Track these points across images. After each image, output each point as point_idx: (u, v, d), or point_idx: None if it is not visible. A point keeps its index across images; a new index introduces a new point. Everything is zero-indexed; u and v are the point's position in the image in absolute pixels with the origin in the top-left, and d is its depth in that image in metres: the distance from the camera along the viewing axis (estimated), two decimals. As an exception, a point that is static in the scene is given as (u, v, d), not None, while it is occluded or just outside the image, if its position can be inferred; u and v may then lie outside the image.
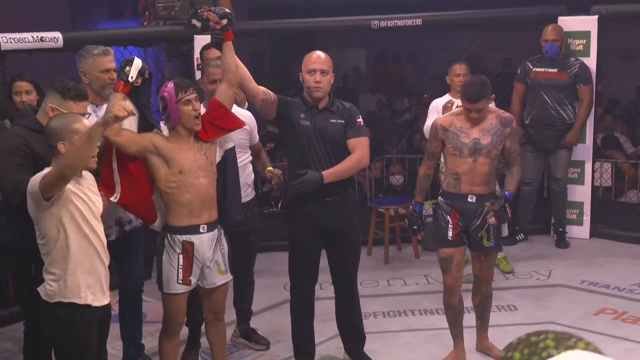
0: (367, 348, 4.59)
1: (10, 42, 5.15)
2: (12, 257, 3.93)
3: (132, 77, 3.69)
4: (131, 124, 3.89)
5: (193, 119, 3.80)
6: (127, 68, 3.69)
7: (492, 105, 4.73)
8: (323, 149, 4.18)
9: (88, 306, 3.37)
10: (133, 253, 4.45)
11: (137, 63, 3.73)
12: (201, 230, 3.87)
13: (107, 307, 3.55)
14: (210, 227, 3.91)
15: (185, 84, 3.83)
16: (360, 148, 4.20)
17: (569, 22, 6.58)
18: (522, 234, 6.84)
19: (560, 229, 6.77)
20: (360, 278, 5.83)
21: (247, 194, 4.65)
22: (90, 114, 3.98)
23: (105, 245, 3.50)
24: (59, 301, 3.32)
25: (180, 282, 3.87)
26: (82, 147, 3.22)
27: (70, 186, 3.26)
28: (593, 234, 6.86)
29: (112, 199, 3.78)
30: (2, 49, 5.13)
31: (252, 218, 4.67)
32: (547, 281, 5.94)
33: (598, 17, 6.54)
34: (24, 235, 3.51)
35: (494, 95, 4.83)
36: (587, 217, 6.86)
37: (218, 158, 4.02)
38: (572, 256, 6.47)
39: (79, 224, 3.31)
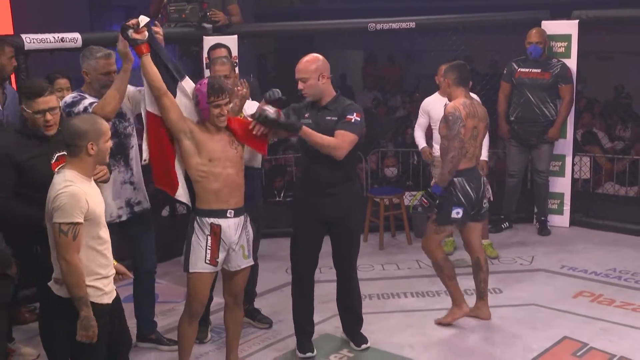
0: (364, 328, 4.61)
1: (34, 42, 5.14)
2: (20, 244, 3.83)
3: (143, 34, 3.84)
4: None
5: (218, 119, 3.84)
6: (131, 31, 3.82)
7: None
8: None
9: (96, 304, 3.26)
10: (145, 233, 4.44)
11: (143, 19, 3.87)
12: (228, 215, 3.87)
13: (116, 298, 3.46)
14: (237, 212, 3.90)
15: (219, 89, 3.81)
16: (340, 139, 4.07)
17: (551, 26, 6.57)
18: (507, 223, 6.84)
19: (542, 218, 6.77)
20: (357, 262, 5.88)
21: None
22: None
23: (110, 242, 3.38)
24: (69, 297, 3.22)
25: (208, 262, 3.86)
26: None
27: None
28: (572, 222, 6.86)
29: (142, 162, 3.94)
30: (25, 48, 5.11)
31: (256, 207, 4.67)
32: (529, 266, 5.95)
33: (578, 22, 6.53)
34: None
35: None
36: (567, 207, 6.86)
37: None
38: (553, 243, 6.47)
39: (88, 231, 3.21)
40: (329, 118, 4.17)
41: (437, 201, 4.61)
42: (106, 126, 3.30)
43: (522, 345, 4.54)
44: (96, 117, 3.41)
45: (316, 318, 4.61)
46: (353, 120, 4.14)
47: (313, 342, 4.53)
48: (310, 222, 4.27)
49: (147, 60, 3.86)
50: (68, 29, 5.36)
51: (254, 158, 4.52)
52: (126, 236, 4.40)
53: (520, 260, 6.05)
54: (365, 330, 4.62)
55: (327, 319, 4.84)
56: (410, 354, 4.46)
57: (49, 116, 3.61)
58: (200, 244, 3.85)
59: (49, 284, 3.28)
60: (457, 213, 4.61)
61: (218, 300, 4.91)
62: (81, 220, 3.12)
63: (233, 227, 3.90)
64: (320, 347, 4.56)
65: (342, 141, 4.07)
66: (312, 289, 4.47)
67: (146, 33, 3.87)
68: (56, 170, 3.30)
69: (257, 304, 4.99)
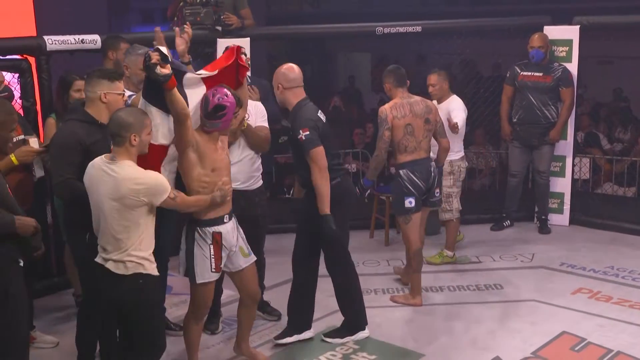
0: (370, 321, 4.61)
1: (55, 44, 5.16)
2: (71, 229, 3.93)
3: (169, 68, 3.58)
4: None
5: (228, 130, 3.89)
6: (158, 68, 3.53)
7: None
8: None
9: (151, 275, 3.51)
10: (163, 224, 4.41)
11: (163, 54, 3.57)
12: (225, 220, 3.85)
13: None
14: (230, 216, 3.90)
15: (241, 101, 3.84)
16: (312, 166, 4.18)
17: (553, 31, 6.55)
18: (508, 221, 6.82)
19: (543, 217, 6.76)
20: (363, 258, 5.94)
21: (255, 182, 4.60)
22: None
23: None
24: (138, 272, 3.44)
25: (214, 270, 3.83)
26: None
27: None
28: (572, 221, 6.84)
29: None
30: (47, 49, 5.13)
31: (259, 204, 4.62)
32: (530, 263, 5.93)
33: (579, 27, 6.52)
34: (82, 209, 3.53)
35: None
36: (567, 207, 6.84)
37: None
38: (553, 241, 6.45)
39: (149, 211, 3.46)
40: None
41: (367, 192, 5.10)
42: (149, 119, 3.44)
43: (522, 339, 4.54)
44: (140, 110, 3.53)
45: (322, 312, 4.62)
46: (304, 138, 4.15)
47: (319, 335, 4.56)
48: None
49: (175, 92, 3.59)
50: (88, 30, 5.37)
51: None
52: None
53: (521, 258, 6.04)
54: (371, 323, 4.62)
55: (332, 313, 4.84)
56: (413, 347, 4.46)
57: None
58: (204, 254, 3.80)
59: (109, 266, 3.43)
60: (409, 202, 4.92)
61: (229, 292, 4.94)
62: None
63: (231, 231, 3.89)
64: (310, 348, 4.54)
65: (313, 165, 4.15)
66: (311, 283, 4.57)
67: (169, 67, 3.55)
68: (105, 158, 3.41)
69: (266, 296, 5.00)
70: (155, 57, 3.48)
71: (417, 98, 5.07)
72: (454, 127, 5.42)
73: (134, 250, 3.42)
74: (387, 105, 4.96)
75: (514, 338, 4.55)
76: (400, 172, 4.93)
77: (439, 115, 5.17)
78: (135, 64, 4.26)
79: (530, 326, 4.72)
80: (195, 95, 3.78)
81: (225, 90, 3.74)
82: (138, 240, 3.42)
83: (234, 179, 4.42)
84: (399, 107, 4.92)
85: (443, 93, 5.62)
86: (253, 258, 4.05)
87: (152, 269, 3.49)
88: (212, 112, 3.69)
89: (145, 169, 3.48)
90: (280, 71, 4.26)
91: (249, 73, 5.04)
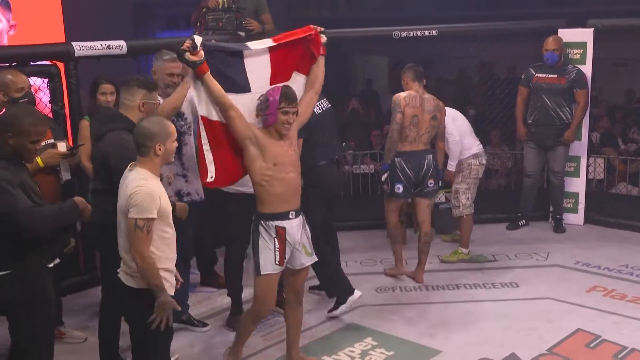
0: (386, 317, 4.60)
1: (83, 50, 5.20)
2: (100, 234, 3.82)
3: (200, 55, 3.66)
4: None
5: (283, 126, 3.73)
6: (188, 54, 3.64)
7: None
8: None
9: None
10: (188, 223, 4.42)
11: (197, 39, 3.67)
12: (290, 216, 3.78)
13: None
14: (297, 213, 3.82)
15: (293, 98, 3.74)
16: None
17: (567, 34, 6.50)
18: (524, 220, 6.78)
19: (558, 216, 6.71)
20: (381, 257, 5.92)
21: None
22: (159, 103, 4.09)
23: (175, 237, 3.38)
24: (144, 288, 3.25)
25: (277, 263, 3.77)
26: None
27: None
28: (587, 220, 6.79)
29: (207, 179, 3.83)
30: (75, 55, 5.17)
31: None
32: (545, 262, 5.89)
33: (593, 30, 6.46)
34: (112, 212, 3.46)
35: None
36: (581, 206, 6.79)
37: None
38: (567, 240, 6.40)
39: (158, 226, 3.24)
40: None
41: (385, 175, 5.26)
42: (173, 128, 3.33)
43: (538, 336, 4.50)
44: (164, 119, 3.41)
45: (313, 321, 4.65)
46: None
47: (339, 332, 4.56)
48: None
49: (208, 78, 3.69)
50: (114, 36, 5.42)
51: None
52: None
53: (536, 256, 5.99)
54: (388, 320, 4.62)
55: (352, 310, 4.84)
56: (430, 343, 4.44)
57: None
58: (268, 246, 3.76)
59: (121, 276, 3.31)
60: (397, 188, 5.23)
61: (250, 290, 4.94)
62: (155, 216, 3.16)
63: (295, 227, 3.81)
64: (346, 336, 4.57)
65: None
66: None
67: (202, 53, 3.67)
68: (128, 167, 3.32)
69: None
70: (185, 44, 3.62)
71: (429, 96, 5.31)
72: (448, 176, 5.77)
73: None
74: (402, 94, 5.27)
75: (530, 335, 4.52)
76: (396, 159, 5.20)
77: (444, 118, 5.39)
78: (162, 69, 4.28)
79: (546, 323, 4.68)
80: (256, 64, 3.87)
81: (280, 88, 3.75)
82: None
83: (242, 184, 4.44)
84: (412, 98, 5.22)
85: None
86: (314, 258, 3.99)
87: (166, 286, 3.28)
88: (258, 107, 3.77)
89: (218, 149, 3.65)
90: None
91: None
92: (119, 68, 5.30)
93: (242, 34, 6.05)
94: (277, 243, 3.76)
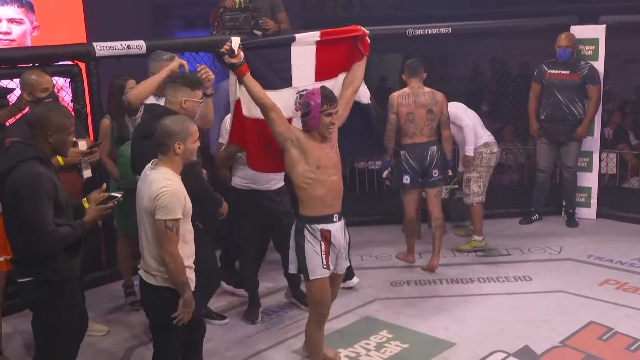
0: (403, 312, 4.59)
1: (103, 50, 5.22)
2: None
3: (239, 57, 3.64)
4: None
5: (327, 129, 3.64)
6: (227, 57, 3.62)
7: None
8: None
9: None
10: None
11: (235, 41, 3.67)
12: (334, 220, 3.69)
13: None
14: (339, 216, 3.73)
15: (332, 98, 3.65)
16: None
17: (579, 31, 6.45)
18: (537, 215, 6.74)
19: (571, 211, 6.66)
20: (395, 251, 5.90)
21: (276, 183, 4.59)
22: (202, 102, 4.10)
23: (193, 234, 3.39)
24: (163, 286, 3.26)
25: (325, 267, 3.66)
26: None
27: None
28: (599, 215, 6.74)
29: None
30: (96, 55, 5.20)
31: (282, 202, 4.62)
32: (558, 255, 5.85)
33: (605, 26, 6.41)
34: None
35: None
36: (594, 200, 6.74)
37: None
38: (580, 234, 6.36)
39: (182, 225, 3.25)
40: None
41: (386, 171, 5.54)
42: (195, 128, 3.28)
43: (551, 328, 4.48)
44: (187, 119, 3.38)
45: (357, 302, 4.63)
46: None
47: (354, 324, 4.55)
48: None
49: (248, 79, 3.62)
50: (133, 36, 5.44)
51: None
52: None
53: (549, 250, 5.96)
54: (403, 313, 4.62)
55: (367, 303, 4.84)
56: (444, 336, 4.43)
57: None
58: (315, 250, 3.63)
59: (141, 274, 3.33)
60: (405, 179, 5.41)
61: (267, 285, 4.98)
62: (181, 216, 3.17)
63: (340, 230, 3.72)
64: (361, 329, 4.57)
65: None
66: None
67: (242, 54, 3.64)
68: (150, 165, 3.30)
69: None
70: (224, 47, 3.63)
71: (426, 90, 5.43)
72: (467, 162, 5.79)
73: (161, 265, 3.24)
74: (395, 93, 5.46)
75: (543, 328, 4.50)
76: (401, 153, 5.41)
77: (446, 108, 5.45)
78: (161, 69, 4.19)
79: (559, 316, 4.66)
80: (302, 56, 3.85)
81: (319, 89, 3.66)
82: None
83: (254, 180, 4.44)
84: (405, 96, 5.39)
85: None
86: (348, 263, 3.89)
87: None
88: (301, 111, 3.69)
89: (251, 143, 3.70)
90: None
91: None
92: (138, 67, 5.32)
93: (259, 33, 6.05)
94: (323, 246, 3.65)
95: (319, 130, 3.65)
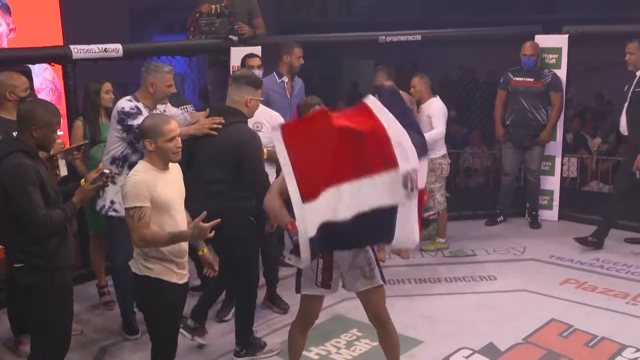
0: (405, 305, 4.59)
1: (80, 52, 5.17)
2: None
3: None
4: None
5: None
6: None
7: None
8: None
9: (164, 280, 3.28)
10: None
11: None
12: None
13: (185, 284, 3.43)
14: None
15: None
16: None
17: (543, 40, 6.53)
18: (502, 217, 6.81)
19: (534, 213, 6.74)
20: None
21: None
22: None
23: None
24: (148, 275, 3.27)
25: (319, 284, 3.45)
26: None
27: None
28: (561, 217, 6.82)
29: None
30: (73, 57, 5.14)
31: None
32: (522, 256, 5.92)
33: (568, 36, 6.50)
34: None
35: None
36: (556, 203, 6.82)
37: None
38: (543, 235, 6.44)
39: (157, 217, 3.23)
40: None
41: None
42: (169, 128, 3.22)
43: (515, 326, 4.53)
44: (165, 117, 3.38)
45: (327, 301, 4.53)
46: None
47: (325, 323, 4.54)
48: None
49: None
50: (111, 40, 5.39)
51: None
52: None
53: (513, 251, 6.03)
54: (404, 307, 4.57)
55: (337, 303, 4.84)
56: (413, 334, 4.46)
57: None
58: (311, 266, 3.37)
59: (130, 262, 3.34)
60: None
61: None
62: (145, 204, 3.15)
63: (347, 250, 3.42)
64: (332, 328, 4.57)
65: None
66: None
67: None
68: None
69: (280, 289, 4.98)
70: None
71: (402, 92, 5.34)
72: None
73: (140, 251, 3.26)
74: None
75: (507, 325, 4.55)
76: None
77: (416, 112, 5.60)
78: (163, 81, 4.19)
79: (522, 314, 4.71)
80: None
81: None
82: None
83: None
84: None
85: (422, 95, 5.81)
86: (377, 282, 3.50)
87: (164, 273, 3.27)
88: None
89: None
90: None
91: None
92: (116, 70, 5.29)
93: (235, 38, 6.04)
94: (320, 263, 3.42)
95: None
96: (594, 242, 5.93)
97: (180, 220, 3.32)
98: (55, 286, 3.29)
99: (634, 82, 5.71)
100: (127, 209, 3.17)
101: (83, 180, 3.50)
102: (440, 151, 5.78)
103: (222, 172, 3.96)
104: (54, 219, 3.21)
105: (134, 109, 4.12)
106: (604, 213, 6.05)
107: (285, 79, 5.46)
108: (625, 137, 5.89)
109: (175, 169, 3.39)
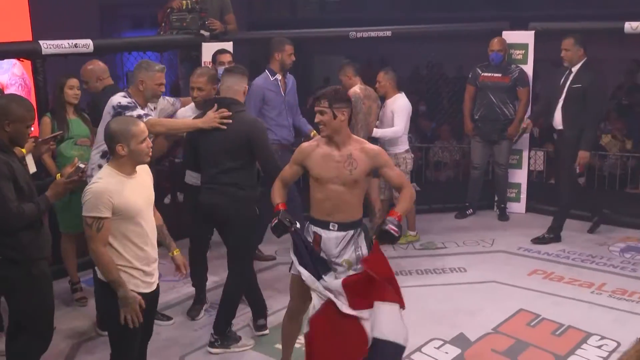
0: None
1: (50, 48, 5.09)
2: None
3: None
4: None
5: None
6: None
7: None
8: None
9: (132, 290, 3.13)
10: None
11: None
12: (331, 228, 3.44)
13: (154, 291, 3.30)
14: (342, 227, 3.44)
15: (319, 95, 3.51)
16: None
17: (511, 36, 6.60)
18: (471, 209, 6.87)
19: (502, 205, 6.81)
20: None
21: None
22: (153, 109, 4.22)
23: (150, 237, 3.22)
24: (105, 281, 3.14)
25: (301, 264, 3.45)
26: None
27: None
28: (528, 209, 6.90)
29: None
30: (43, 53, 5.06)
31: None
32: (490, 248, 5.98)
33: (534, 32, 6.57)
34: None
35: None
36: (523, 196, 6.91)
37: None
38: (511, 227, 6.51)
39: (120, 225, 3.11)
40: None
41: None
42: (139, 129, 3.11)
43: (484, 316, 4.59)
44: (133, 120, 3.27)
45: (278, 305, 4.60)
46: None
47: (275, 328, 4.40)
48: None
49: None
50: (81, 35, 5.31)
51: None
52: None
53: (482, 243, 6.09)
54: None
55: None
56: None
57: None
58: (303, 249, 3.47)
59: (96, 267, 3.22)
60: None
61: (213, 278, 4.93)
62: (106, 215, 3.00)
63: (334, 240, 3.44)
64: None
65: None
66: None
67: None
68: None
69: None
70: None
71: (368, 87, 5.70)
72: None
73: None
74: (355, 88, 5.57)
75: (477, 316, 4.60)
76: None
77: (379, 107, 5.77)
78: (153, 79, 4.15)
79: (491, 305, 4.77)
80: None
81: None
82: (110, 250, 3.09)
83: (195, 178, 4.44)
84: (364, 90, 5.62)
85: (387, 90, 5.86)
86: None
87: (130, 282, 3.11)
88: None
89: None
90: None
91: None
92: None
93: (206, 33, 5.99)
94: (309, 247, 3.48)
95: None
96: (552, 238, 6.01)
97: (148, 228, 3.18)
98: (32, 277, 3.26)
99: (570, 78, 5.82)
100: (85, 217, 3.02)
101: (59, 175, 3.44)
102: (403, 146, 5.87)
103: (234, 162, 4.04)
104: (26, 213, 3.17)
105: (131, 103, 4.10)
106: (558, 207, 6.13)
107: (278, 76, 5.35)
108: (559, 131, 5.94)
109: (144, 172, 3.25)
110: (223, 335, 4.18)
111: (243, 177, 4.07)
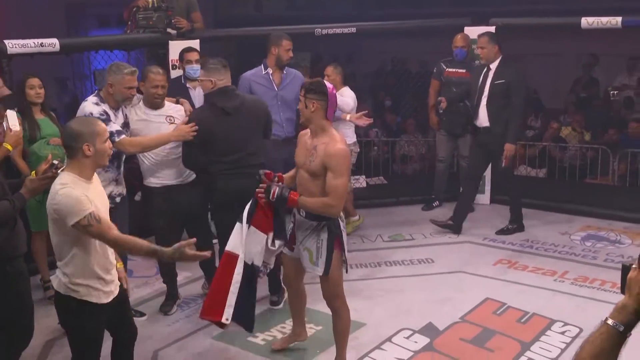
0: (316, 296, 4.62)
1: (16, 47, 4.98)
2: None
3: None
4: None
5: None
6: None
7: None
8: None
9: (92, 303, 2.99)
10: (122, 218, 4.29)
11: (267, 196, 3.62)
12: (300, 213, 3.62)
13: (119, 295, 3.14)
14: (308, 216, 3.57)
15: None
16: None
17: (472, 31, 6.61)
18: (437, 202, 6.92)
19: (467, 197, 6.87)
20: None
21: (189, 176, 4.51)
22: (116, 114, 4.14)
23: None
24: (71, 295, 2.98)
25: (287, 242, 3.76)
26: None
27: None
28: (492, 200, 6.98)
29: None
30: (8, 52, 4.95)
31: (195, 194, 4.54)
32: (457, 239, 6.04)
33: (495, 28, 6.62)
34: None
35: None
36: (488, 187, 6.97)
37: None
38: (476, 219, 6.56)
39: None
40: None
41: None
42: (102, 127, 2.98)
43: (452, 306, 4.64)
44: (93, 119, 3.19)
45: (262, 293, 4.59)
46: None
47: (270, 310, 4.60)
48: None
49: (304, 201, 3.56)
50: (47, 34, 5.20)
51: None
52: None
53: (449, 234, 6.14)
54: (315, 297, 4.59)
55: (283, 290, 4.84)
56: (355, 317, 4.45)
57: None
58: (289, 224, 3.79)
59: (52, 277, 3.07)
60: None
61: (185, 274, 4.90)
62: (92, 208, 2.82)
63: (303, 225, 3.62)
64: (277, 314, 4.59)
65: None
66: None
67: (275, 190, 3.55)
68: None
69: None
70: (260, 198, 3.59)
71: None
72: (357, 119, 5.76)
73: (66, 271, 2.95)
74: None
75: (445, 305, 4.65)
76: None
77: None
78: (121, 83, 4.06)
79: (458, 294, 4.82)
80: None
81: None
82: (71, 263, 2.94)
83: (168, 177, 4.38)
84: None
85: (335, 84, 5.74)
86: (318, 271, 3.66)
87: (90, 295, 2.96)
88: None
89: None
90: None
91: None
92: (52, 65, 5.11)
93: (173, 32, 5.93)
94: (292, 227, 3.75)
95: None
96: (515, 228, 6.10)
97: None
98: (7, 274, 3.22)
99: (490, 75, 5.89)
100: (77, 223, 2.80)
101: (33, 172, 3.33)
102: (351, 139, 5.86)
103: (258, 142, 4.25)
104: (1, 210, 3.12)
105: (103, 115, 4.00)
106: (509, 200, 6.23)
107: (270, 70, 5.25)
108: (485, 128, 5.96)
109: (96, 180, 3.07)
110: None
111: (263, 156, 4.26)
